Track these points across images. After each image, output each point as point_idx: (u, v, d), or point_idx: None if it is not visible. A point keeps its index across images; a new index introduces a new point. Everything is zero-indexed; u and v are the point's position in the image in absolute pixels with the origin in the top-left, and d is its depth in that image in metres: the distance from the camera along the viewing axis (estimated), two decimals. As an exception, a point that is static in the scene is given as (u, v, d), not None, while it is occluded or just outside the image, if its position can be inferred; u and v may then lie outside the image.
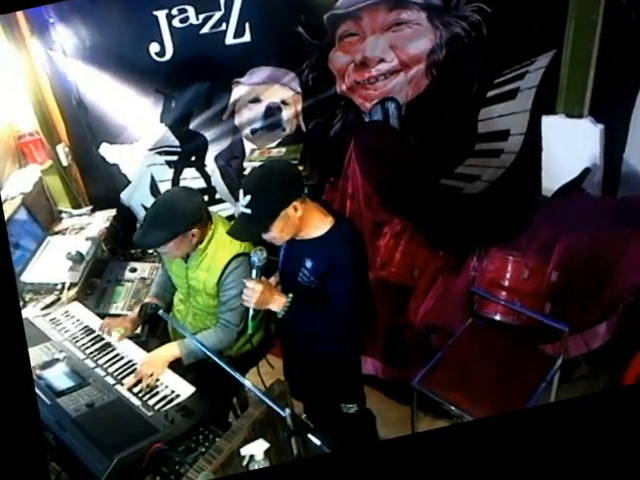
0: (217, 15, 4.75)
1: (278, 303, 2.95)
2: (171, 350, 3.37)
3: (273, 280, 3.30)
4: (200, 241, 3.31)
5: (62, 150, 5.18)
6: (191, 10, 4.72)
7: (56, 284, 4.16)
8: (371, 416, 3.75)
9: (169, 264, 3.62)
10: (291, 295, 2.96)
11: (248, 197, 2.78)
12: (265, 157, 5.06)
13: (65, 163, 5.22)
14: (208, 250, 3.33)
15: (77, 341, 3.53)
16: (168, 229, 3.17)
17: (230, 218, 5.15)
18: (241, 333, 3.47)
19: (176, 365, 3.35)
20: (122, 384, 3.16)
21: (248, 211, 2.80)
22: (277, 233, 2.88)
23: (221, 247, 3.32)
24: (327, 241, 2.94)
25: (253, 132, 5.29)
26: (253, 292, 2.91)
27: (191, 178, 5.50)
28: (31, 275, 4.25)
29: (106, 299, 4.26)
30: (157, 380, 3.20)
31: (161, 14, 4.72)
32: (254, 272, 2.96)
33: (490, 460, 1.82)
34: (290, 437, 2.47)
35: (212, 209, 5.26)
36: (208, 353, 2.95)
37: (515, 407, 3.49)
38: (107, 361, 3.36)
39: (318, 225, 2.96)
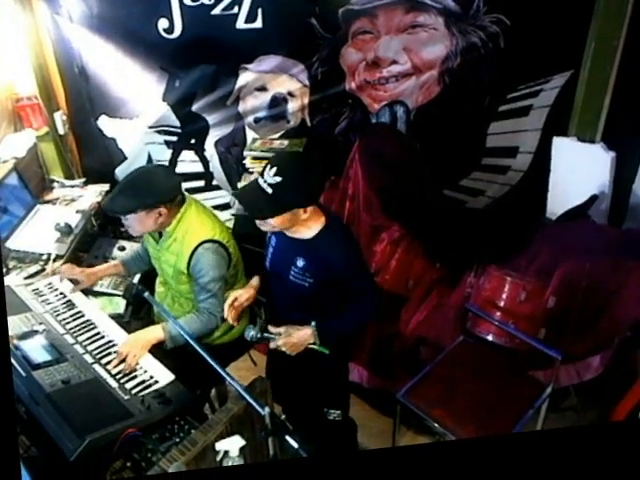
0: (230, -3, 4.70)
1: (308, 337, 2.95)
2: (155, 333, 3.29)
3: (255, 282, 3.26)
4: (168, 223, 3.27)
5: (59, 118, 5.09)
6: (204, -11, 4.67)
7: (42, 254, 4.08)
8: (353, 425, 3.71)
9: (147, 245, 3.58)
10: (313, 323, 2.94)
11: (279, 178, 2.70)
12: (266, 147, 5.02)
13: (61, 131, 5.14)
14: (176, 234, 3.29)
15: (58, 315, 3.42)
16: (136, 199, 3.13)
17: (225, 206, 5.10)
18: (224, 320, 3.38)
19: (156, 351, 3.27)
20: (100, 364, 3.07)
21: (269, 190, 2.72)
22: (277, 222, 2.83)
23: (190, 232, 3.27)
24: (319, 243, 2.91)
25: (256, 121, 5.24)
26: (283, 348, 2.97)
27: (189, 161, 5.45)
28: (17, 242, 4.18)
29: (92, 275, 4.16)
30: (137, 363, 3.12)
31: (173, -10, 4.67)
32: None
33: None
34: (267, 437, 2.40)
35: (208, 195, 5.27)
36: (190, 341, 2.87)
37: (500, 431, 3.44)
38: (87, 339, 3.26)
39: (311, 225, 2.91)
